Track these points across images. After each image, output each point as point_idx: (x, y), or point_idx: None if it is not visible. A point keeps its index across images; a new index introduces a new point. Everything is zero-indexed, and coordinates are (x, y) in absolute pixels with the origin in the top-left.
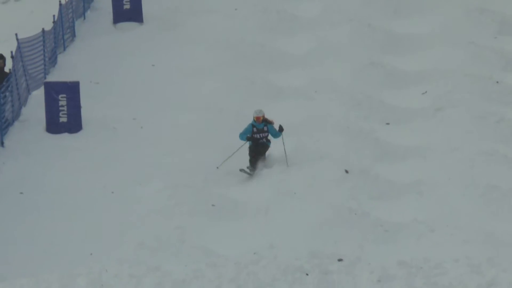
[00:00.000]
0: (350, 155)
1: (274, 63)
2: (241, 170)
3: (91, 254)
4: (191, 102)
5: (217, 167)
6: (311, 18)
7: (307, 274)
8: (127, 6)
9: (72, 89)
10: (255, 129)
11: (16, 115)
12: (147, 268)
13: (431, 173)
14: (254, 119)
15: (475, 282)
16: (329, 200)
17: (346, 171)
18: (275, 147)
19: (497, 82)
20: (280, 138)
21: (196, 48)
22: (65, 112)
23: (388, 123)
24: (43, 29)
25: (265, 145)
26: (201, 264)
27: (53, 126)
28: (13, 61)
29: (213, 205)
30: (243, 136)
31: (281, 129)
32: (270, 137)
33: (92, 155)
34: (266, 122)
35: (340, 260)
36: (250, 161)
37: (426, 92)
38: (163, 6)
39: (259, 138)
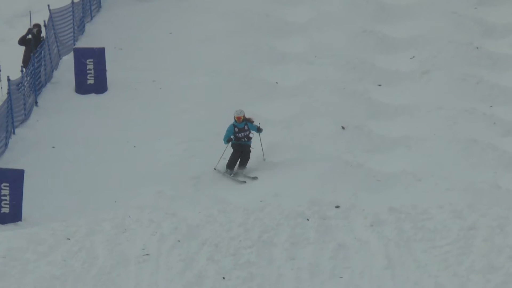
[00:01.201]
0: (346, 113)
1: (278, 31)
2: (224, 173)
3: (115, 201)
4: (204, 65)
5: (214, 168)
6: None
7: (307, 219)
8: None
9: (98, 54)
10: (236, 129)
11: (48, 78)
12: (165, 214)
13: (418, 129)
14: (235, 119)
15: (457, 226)
16: (327, 153)
17: (343, 127)
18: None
19: (477, 47)
20: (258, 135)
21: (208, 17)
22: (92, 74)
23: (379, 85)
24: (72, 0)
25: (248, 147)
26: (213, 210)
27: (82, 87)
28: (45, 29)
29: (224, 158)
30: (226, 138)
31: (259, 130)
32: (251, 134)
33: (116, 113)
34: (247, 121)
35: (337, 206)
36: (228, 165)
37: (413, 57)
38: None
39: (241, 137)
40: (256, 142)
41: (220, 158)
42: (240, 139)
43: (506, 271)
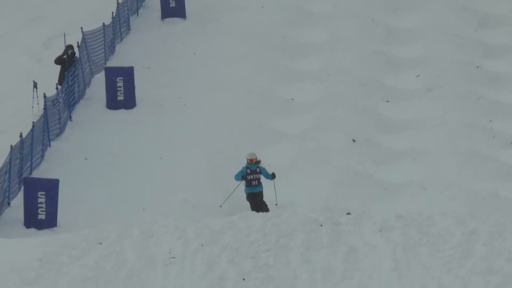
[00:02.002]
0: (356, 127)
1: (293, 51)
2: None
3: (143, 208)
4: (225, 83)
5: (220, 206)
6: (324, 14)
7: (321, 225)
8: (172, 4)
9: (127, 73)
10: (248, 171)
11: (81, 94)
12: (189, 220)
13: (423, 142)
14: (247, 161)
15: (459, 231)
16: (339, 164)
17: (353, 140)
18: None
19: (477, 67)
20: (272, 181)
21: (229, 39)
22: (122, 91)
23: (388, 101)
24: (103, 23)
25: (260, 195)
26: (234, 217)
27: (112, 103)
28: (79, 50)
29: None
30: (238, 177)
31: (273, 175)
32: (262, 179)
33: (144, 127)
34: (258, 163)
35: (348, 213)
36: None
37: (419, 75)
38: (202, 4)
39: (252, 179)
40: (269, 186)
41: (228, 198)
42: (251, 181)
43: (505, 273)
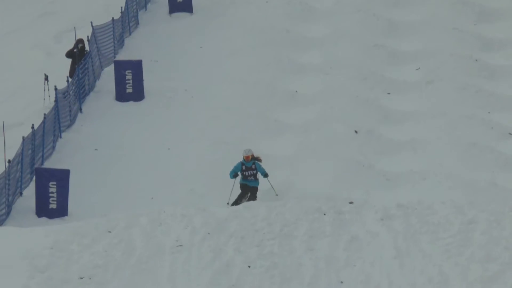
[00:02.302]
0: (358, 119)
1: (297, 45)
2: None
3: (151, 198)
4: (231, 76)
5: (228, 203)
6: (326, 9)
7: (324, 214)
8: None
9: (136, 66)
10: (244, 167)
11: (91, 87)
12: (196, 209)
13: (423, 133)
14: (243, 158)
15: (458, 220)
16: (342, 155)
17: (355, 132)
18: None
19: (476, 60)
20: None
21: (235, 33)
22: (130, 84)
23: (389, 93)
24: (113, 18)
25: (254, 189)
26: (239, 206)
27: (121, 95)
28: (89, 43)
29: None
30: (232, 173)
31: (266, 175)
32: (258, 175)
33: (152, 119)
34: (255, 160)
35: (351, 203)
36: (234, 202)
37: (419, 68)
38: None
39: (248, 175)
40: (265, 183)
41: (231, 192)
42: (247, 177)
43: (503, 261)
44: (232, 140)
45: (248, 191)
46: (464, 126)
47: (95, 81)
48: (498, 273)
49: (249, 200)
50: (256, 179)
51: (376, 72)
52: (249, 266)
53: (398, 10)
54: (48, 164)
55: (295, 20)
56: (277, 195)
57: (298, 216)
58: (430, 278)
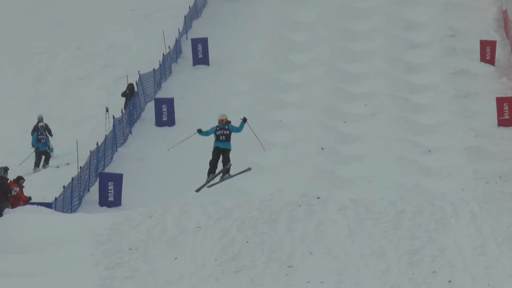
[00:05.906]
0: (324, 140)
1: (282, 88)
2: (198, 190)
3: (180, 193)
4: (234, 109)
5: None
6: (302, 63)
7: (299, 206)
8: (200, 55)
9: (169, 102)
10: (218, 128)
11: (138, 116)
12: (209, 201)
13: (368, 149)
14: (218, 122)
15: (392, 210)
16: (312, 164)
17: (322, 148)
18: (252, 140)
19: (406, 99)
20: (247, 128)
21: (238, 79)
22: (166, 114)
23: (345, 122)
24: (153, 68)
25: (227, 148)
26: (240, 200)
27: (159, 122)
28: (137, 86)
29: (249, 168)
30: (203, 132)
31: (244, 120)
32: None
33: (181, 138)
34: (229, 123)
35: (318, 198)
36: (208, 172)
37: (366, 105)
38: (220, 56)
39: (220, 134)
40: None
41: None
42: (219, 137)
43: (423, 239)
44: (235, 150)
45: (220, 154)
46: (397, 145)
47: (141, 112)
48: (420, 247)
49: (223, 165)
50: (228, 141)
51: (336, 107)
52: (247, 242)
53: (352, 64)
54: (107, 170)
55: (280, 71)
56: (265, 150)
57: (281, 206)
58: (372, 250)
